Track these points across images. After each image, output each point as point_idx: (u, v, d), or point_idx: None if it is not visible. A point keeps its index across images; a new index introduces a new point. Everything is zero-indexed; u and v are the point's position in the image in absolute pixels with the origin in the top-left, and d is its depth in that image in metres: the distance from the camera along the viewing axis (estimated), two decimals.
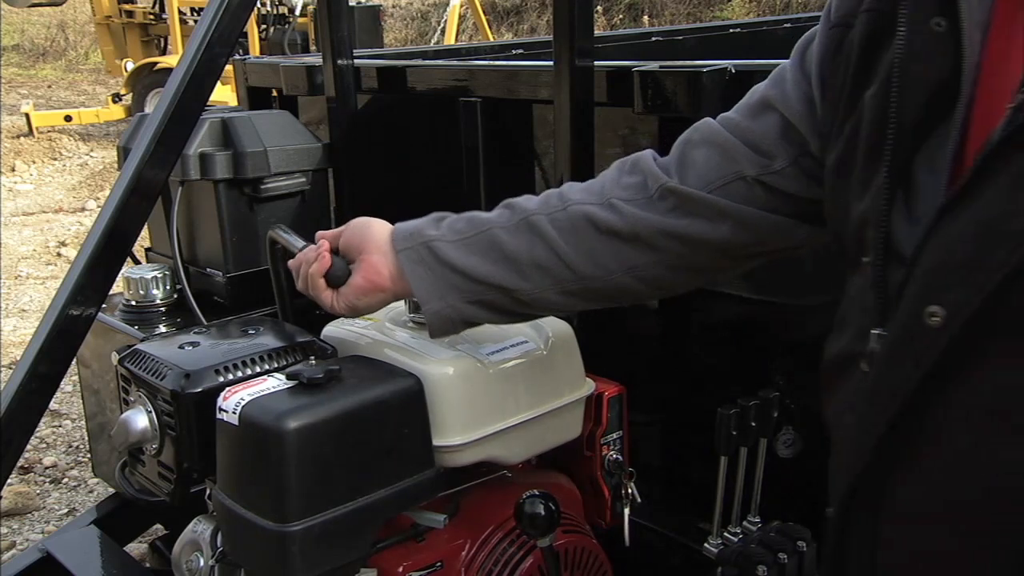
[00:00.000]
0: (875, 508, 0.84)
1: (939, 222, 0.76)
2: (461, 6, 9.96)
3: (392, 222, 1.23)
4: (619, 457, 1.49)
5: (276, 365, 1.33)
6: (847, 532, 0.88)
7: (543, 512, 1.19)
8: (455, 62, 2.29)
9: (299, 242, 1.33)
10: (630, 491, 1.47)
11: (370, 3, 9.91)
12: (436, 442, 1.25)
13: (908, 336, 0.78)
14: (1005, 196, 0.71)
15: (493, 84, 1.87)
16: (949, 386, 0.75)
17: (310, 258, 1.23)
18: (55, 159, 9.11)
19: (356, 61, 2.09)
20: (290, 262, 1.32)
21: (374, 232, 1.21)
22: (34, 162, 8.95)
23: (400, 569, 1.29)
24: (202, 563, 1.28)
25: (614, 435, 1.49)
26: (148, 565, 2.16)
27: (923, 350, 0.76)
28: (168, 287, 1.89)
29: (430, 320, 1.15)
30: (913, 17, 0.82)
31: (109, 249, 1.51)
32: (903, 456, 0.80)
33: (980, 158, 0.72)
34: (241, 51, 7.70)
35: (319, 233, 1.29)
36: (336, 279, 1.22)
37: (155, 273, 1.88)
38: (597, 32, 1.85)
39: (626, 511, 1.48)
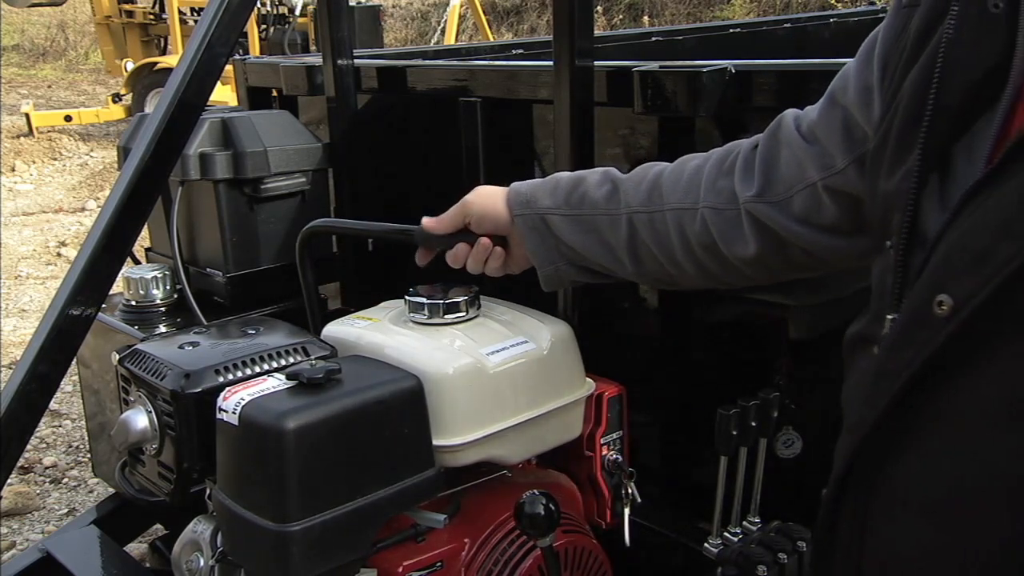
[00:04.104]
0: (869, 491, 0.83)
1: (961, 210, 0.74)
2: (461, 6, 9.96)
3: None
4: (619, 457, 1.49)
5: (276, 365, 1.34)
6: (839, 513, 0.87)
7: (543, 512, 1.19)
8: (455, 62, 2.29)
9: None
10: (630, 491, 1.47)
11: (370, 3, 9.91)
12: (436, 442, 1.25)
13: (915, 323, 0.76)
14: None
15: (493, 84, 1.87)
16: (954, 375, 0.74)
17: (481, 256, 1.34)
18: (55, 159, 9.10)
19: (356, 61, 2.09)
20: (466, 263, 1.36)
21: (497, 201, 1.32)
22: (34, 162, 8.94)
23: (400, 569, 1.29)
24: (202, 563, 1.28)
25: (614, 435, 1.49)
26: (148, 565, 2.15)
27: (928, 338, 0.75)
28: (168, 287, 1.89)
29: (543, 278, 1.32)
30: None
31: (109, 249, 1.50)
32: (903, 441, 0.79)
33: (1007, 149, 0.70)
34: (241, 51, 7.71)
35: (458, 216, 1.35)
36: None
37: (155, 273, 1.88)
38: (597, 32, 1.85)
39: (626, 511, 1.48)
